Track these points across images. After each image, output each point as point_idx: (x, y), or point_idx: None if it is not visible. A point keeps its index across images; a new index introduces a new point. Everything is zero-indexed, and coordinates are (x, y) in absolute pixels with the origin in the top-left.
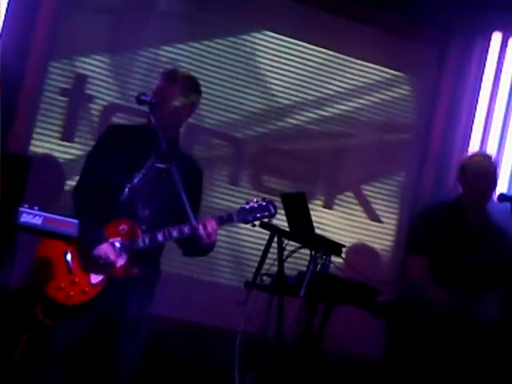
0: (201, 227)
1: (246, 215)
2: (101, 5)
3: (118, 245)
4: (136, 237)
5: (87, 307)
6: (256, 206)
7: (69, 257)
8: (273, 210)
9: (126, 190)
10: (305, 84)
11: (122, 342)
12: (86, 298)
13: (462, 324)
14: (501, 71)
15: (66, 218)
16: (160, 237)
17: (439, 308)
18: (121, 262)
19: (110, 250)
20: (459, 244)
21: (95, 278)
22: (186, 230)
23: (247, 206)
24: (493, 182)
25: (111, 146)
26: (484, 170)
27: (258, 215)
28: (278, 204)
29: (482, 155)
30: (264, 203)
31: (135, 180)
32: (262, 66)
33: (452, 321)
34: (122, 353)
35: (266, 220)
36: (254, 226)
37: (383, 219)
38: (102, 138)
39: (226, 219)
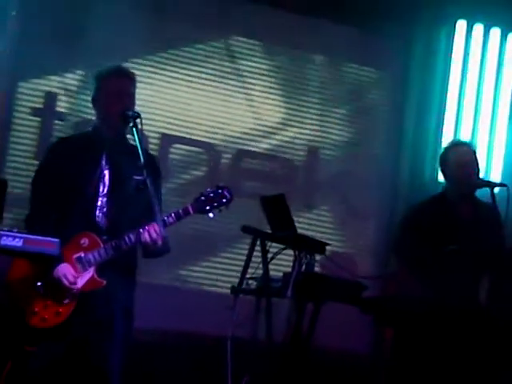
0: (146, 234)
1: (202, 206)
2: (65, 22)
3: (82, 260)
4: (98, 248)
5: (64, 328)
6: (212, 194)
7: (38, 282)
8: (229, 196)
9: (84, 201)
10: (276, 85)
11: (102, 353)
12: (60, 319)
13: (450, 316)
14: (468, 57)
15: (47, 238)
16: (123, 244)
17: (423, 304)
18: (86, 276)
19: (68, 269)
20: (452, 236)
21: (69, 295)
22: (133, 238)
23: (202, 197)
24: (476, 169)
25: (58, 162)
26: (466, 159)
27: (215, 204)
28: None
29: (462, 144)
30: (219, 190)
31: (91, 190)
32: (233, 70)
33: (438, 314)
34: (103, 363)
35: (223, 207)
36: (213, 215)
37: (362, 214)
38: (46, 156)
39: (181, 214)
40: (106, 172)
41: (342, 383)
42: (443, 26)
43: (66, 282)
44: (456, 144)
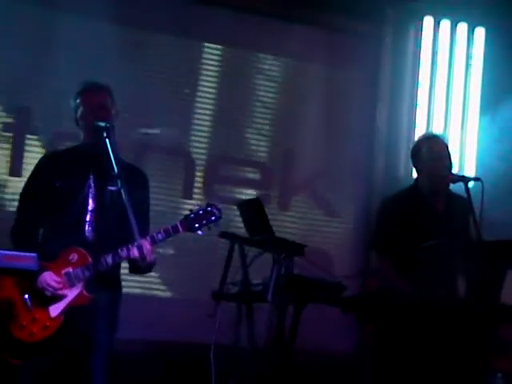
0: (135, 250)
1: (191, 223)
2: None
3: (71, 275)
4: (88, 264)
5: (52, 342)
6: (201, 212)
7: (26, 295)
8: (218, 214)
9: (72, 216)
10: (248, 89)
11: (92, 369)
12: (48, 333)
13: (429, 310)
14: (436, 53)
15: (24, 253)
16: (110, 260)
17: (405, 298)
18: (75, 292)
19: (50, 276)
20: (426, 229)
21: (54, 312)
22: (122, 254)
23: (192, 215)
24: (449, 161)
25: (45, 177)
26: (439, 152)
27: (204, 222)
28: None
29: (434, 136)
30: (208, 208)
31: (79, 206)
32: (204, 76)
33: (419, 308)
34: (88, 376)
35: (212, 225)
36: (202, 232)
37: (340, 213)
38: (33, 172)
39: (171, 231)
40: (94, 187)
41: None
42: (411, 22)
43: (50, 289)
44: (428, 137)
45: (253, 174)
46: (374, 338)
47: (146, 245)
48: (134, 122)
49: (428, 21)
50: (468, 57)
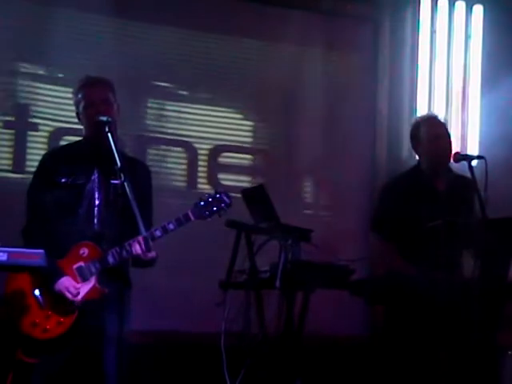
0: (137, 246)
1: (201, 211)
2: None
3: (83, 269)
4: (99, 257)
5: (67, 337)
6: (210, 199)
7: (37, 292)
8: (228, 201)
9: (80, 211)
10: (248, 77)
11: (105, 362)
12: (63, 329)
13: (437, 289)
14: (435, 32)
15: (31, 250)
16: (124, 253)
17: (410, 281)
18: (88, 286)
19: (69, 282)
20: (427, 209)
21: (71, 306)
22: (129, 248)
23: (202, 202)
24: (448, 142)
25: (50, 174)
26: (437, 132)
27: (215, 209)
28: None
29: (431, 117)
30: (218, 195)
31: (86, 200)
32: (205, 66)
33: (427, 288)
34: (108, 372)
35: (222, 212)
36: (209, 219)
37: (344, 198)
38: (37, 169)
39: (183, 220)
40: (99, 181)
41: (341, 367)
42: (408, 3)
43: (69, 296)
44: (425, 118)
45: (256, 162)
46: (384, 320)
47: (142, 242)
48: (135, 114)
49: (426, 0)
50: (467, 35)
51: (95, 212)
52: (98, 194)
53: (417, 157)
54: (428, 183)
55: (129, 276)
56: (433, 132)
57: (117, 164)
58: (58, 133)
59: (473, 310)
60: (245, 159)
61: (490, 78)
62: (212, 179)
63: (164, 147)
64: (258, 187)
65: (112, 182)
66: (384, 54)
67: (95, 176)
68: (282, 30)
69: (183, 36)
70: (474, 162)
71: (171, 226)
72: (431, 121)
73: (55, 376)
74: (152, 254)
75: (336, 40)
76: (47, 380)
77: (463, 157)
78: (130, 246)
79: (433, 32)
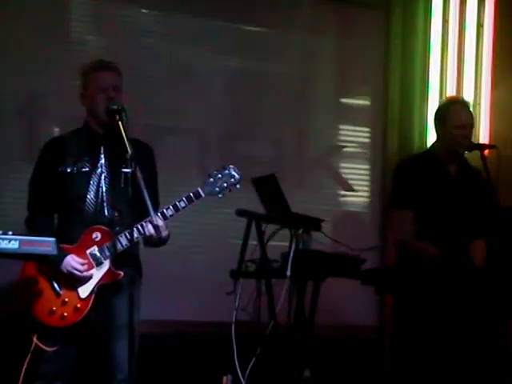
0: (150, 227)
1: (212, 188)
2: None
3: (97, 253)
4: (112, 240)
5: (84, 323)
6: (220, 175)
7: (52, 278)
8: (237, 176)
9: (88, 198)
10: (260, 66)
11: (118, 348)
12: (80, 315)
13: (452, 272)
14: (447, 21)
15: (43, 238)
16: (135, 233)
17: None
18: (103, 269)
19: (74, 260)
20: (440, 191)
21: (84, 293)
22: (141, 229)
23: (211, 179)
24: (471, 132)
25: (53, 164)
26: (465, 119)
27: (225, 184)
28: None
29: (461, 102)
30: (226, 171)
31: (94, 187)
32: (218, 54)
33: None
34: (119, 358)
35: (233, 187)
36: (223, 195)
37: (355, 187)
38: (39, 159)
39: (193, 197)
40: (105, 168)
41: (350, 357)
42: None
43: (77, 274)
44: (455, 102)
45: (268, 152)
46: (393, 309)
47: (159, 221)
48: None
49: None
50: (479, 24)
51: (104, 198)
52: (105, 179)
53: (429, 142)
54: (441, 166)
55: (140, 264)
56: (461, 119)
57: (128, 152)
58: (70, 121)
59: (484, 297)
60: (257, 148)
61: (502, 66)
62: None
63: (175, 135)
64: (270, 176)
65: (123, 170)
66: (396, 43)
67: (101, 162)
68: (294, 18)
69: (191, 23)
70: (486, 152)
71: (182, 204)
72: (461, 108)
73: (68, 366)
74: (165, 233)
75: (348, 28)
76: (59, 370)
77: (476, 146)
78: (143, 226)
79: (445, 21)
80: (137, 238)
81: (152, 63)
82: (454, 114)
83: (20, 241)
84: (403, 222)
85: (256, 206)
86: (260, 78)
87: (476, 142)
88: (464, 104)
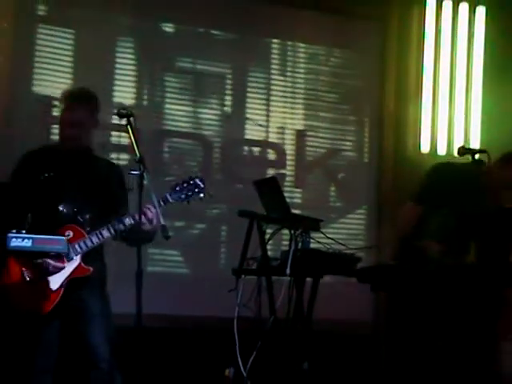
0: (148, 212)
1: (178, 195)
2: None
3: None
4: (83, 238)
5: (56, 311)
6: (185, 185)
7: (26, 274)
8: (202, 185)
9: (61, 206)
10: (261, 74)
11: (94, 337)
12: (51, 305)
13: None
14: (440, 32)
15: (53, 237)
16: (105, 233)
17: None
18: (74, 264)
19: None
20: (465, 199)
21: (54, 285)
22: (127, 220)
23: (177, 187)
24: None
25: (28, 172)
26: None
27: (190, 193)
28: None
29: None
30: (192, 181)
31: (67, 192)
32: (218, 62)
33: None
34: (96, 348)
35: (197, 196)
36: (188, 202)
37: (352, 189)
38: (16, 168)
39: (161, 202)
40: (78, 174)
41: (346, 351)
42: (415, 4)
43: (48, 262)
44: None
45: (268, 155)
46: (386, 306)
47: (152, 209)
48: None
49: (431, 2)
50: (470, 35)
51: (76, 201)
52: (78, 185)
53: (423, 151)
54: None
55: (103, 256)
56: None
57: (136, 156)
58: None
59: (475, 293)
60: (258, 152)
61: (492, 76)
62: (225, 171)
63: (180, 141)
64: (270, 179)
65: (131, 172)
66: (391, 53)
67: (72, 170)
68: (294, 29)
69: (198, 34)
70: (477, 156)
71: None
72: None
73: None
74: (156, 223)
75: (345, 39)
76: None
77: (467, 150)
78: (140, 214)
79: (438, 31)
80: (108, 236)
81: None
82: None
83: (33, 239)
84: (411, 214)
85: (257, 207)
86: (261, 86)
87: (467, 148)
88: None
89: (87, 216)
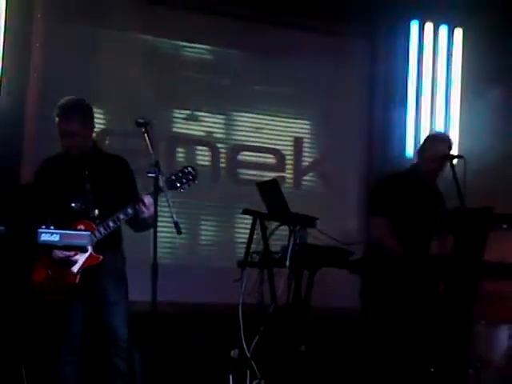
0: (140, 204)
1: (173, 184)
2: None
3: None
4: (93, 230)
5: (76, 292)
6: (180, 174)
7: (48, 267)
8: (193, 172)
9: (73, 204)
10: (262, 89)
11: (111, 318)
12: (70, 289)
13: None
14: (422, 52)
15: (79, 232)
16: (111, 223)
17: (397, 258)
18: (86, 254)
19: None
20: (422, 204)
21: (72, 272)
22: (129, 210)
23: (172, 176)
24: (447, 162)
25: (45, 180)
26: (443, 155)
27: (184, 181)
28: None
29: (444, 140)
30: (185, 170)
31: (78, 195)
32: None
33: (408, 265)
34: (114, 327)
35: (191, 182)
36: (182, 190)
37: (344, 190)
38: (37, 172)
39: (158, 191)
40: (91, 177)
41: (340, 334)
42: (399, 25)
43: (64, 257)
44: (439, 140)
45: (269, 160)
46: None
47: (148, 198)
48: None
49: (414, 24)
50: (449, 53)
51: (89, 200)
52: (87, 183)
53: (408, 155)
54: (423, 183)
55: (121, 248)
56: (439, 155)
57: (152, 159)
58: (101, 134)
59: (453, 285)
60: (260, 157)
61: (469, 90)
62: (231, 174)
63: (191, 146)
64: (272, 181)
65: (148, 174)
66: (379, 70)
67: (86, 179)
68: (286, 48)
69: (204, 51)
70: (455, 161)
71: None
72: (443, 145)
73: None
74: (151, 211)
75: (335, 57)
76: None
77: (446, 156)
78: (128, 209)
79: (420, 51)
80: (114, 226)
81: None
82: (435, 150)
83: (60, 234)
84: (379, 226)
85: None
86: (261, 98)
87: (446, 153)
88: (446, 141)
89: (96, 211)
